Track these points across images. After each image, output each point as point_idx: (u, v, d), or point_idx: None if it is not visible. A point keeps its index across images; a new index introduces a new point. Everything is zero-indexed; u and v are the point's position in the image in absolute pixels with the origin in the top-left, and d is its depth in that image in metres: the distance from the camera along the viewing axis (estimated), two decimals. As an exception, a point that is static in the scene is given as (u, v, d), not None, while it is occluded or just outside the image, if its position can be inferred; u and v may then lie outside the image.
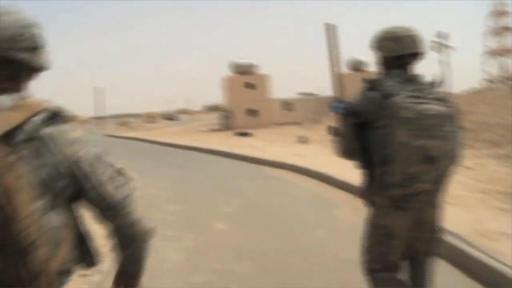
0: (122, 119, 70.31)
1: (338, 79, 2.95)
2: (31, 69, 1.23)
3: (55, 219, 1.19)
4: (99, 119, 63.59)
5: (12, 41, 1.12)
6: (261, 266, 4.58)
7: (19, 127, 1.10)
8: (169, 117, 75.87)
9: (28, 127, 1.12)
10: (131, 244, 1.39)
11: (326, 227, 5.87)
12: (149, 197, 8.99)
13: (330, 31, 3.00)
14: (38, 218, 1.09)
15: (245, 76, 37.79)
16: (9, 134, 1.07)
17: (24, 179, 1.07)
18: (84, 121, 60.72)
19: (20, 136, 1.10)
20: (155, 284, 4.06)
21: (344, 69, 31.50)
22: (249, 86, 37.67)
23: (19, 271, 1.03)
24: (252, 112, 37.43)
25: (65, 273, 1.25)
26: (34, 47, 1.19)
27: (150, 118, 70.88)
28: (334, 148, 2.69)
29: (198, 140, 24.97)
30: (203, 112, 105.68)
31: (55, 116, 1.18)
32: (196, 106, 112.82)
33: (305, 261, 4.67)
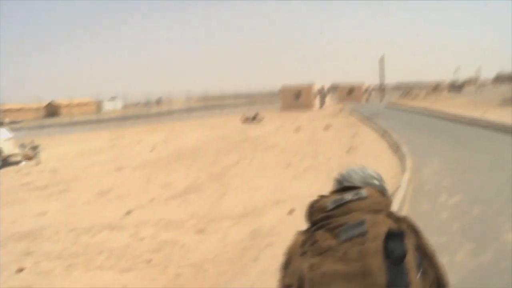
0: (405, 89, 68.70)
1: None
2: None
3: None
4: (382, 88, 63.56)
5: (362, 180, 1.80)
6: None
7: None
8: (455, 87, 70.38)
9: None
10: None
11: None
12: (419, 181, 7.65)
13: None
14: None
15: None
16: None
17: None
18: (368, 90, 61.86)
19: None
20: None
21: None
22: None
23: None
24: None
25: None
26: (373, 184, 1.80)
27: (434, 88, 67.06)
28: None
29: (486, 113, 21.75)
30: (493, 83, 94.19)
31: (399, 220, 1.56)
32: (486, 75, 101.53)
33: None
